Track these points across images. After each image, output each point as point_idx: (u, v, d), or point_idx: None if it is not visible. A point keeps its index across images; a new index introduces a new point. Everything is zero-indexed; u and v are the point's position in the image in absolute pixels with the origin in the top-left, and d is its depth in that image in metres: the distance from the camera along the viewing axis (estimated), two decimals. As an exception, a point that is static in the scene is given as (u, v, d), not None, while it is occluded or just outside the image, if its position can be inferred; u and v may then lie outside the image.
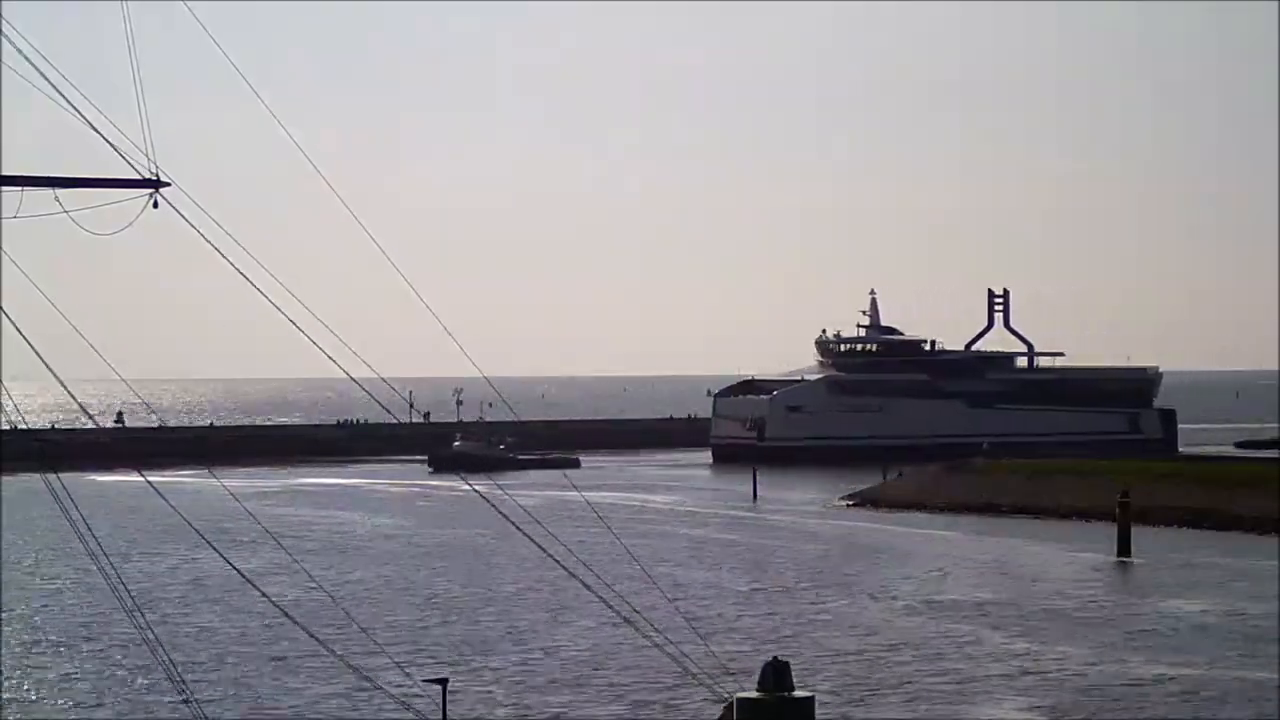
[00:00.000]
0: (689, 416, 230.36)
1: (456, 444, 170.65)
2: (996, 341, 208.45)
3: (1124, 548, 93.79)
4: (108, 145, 24.10)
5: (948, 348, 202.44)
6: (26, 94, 25.03)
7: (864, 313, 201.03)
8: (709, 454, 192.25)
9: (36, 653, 64.39)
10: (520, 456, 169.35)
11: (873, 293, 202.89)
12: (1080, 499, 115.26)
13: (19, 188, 24.24)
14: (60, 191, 24.40)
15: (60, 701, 55.79)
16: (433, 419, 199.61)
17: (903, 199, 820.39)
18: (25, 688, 57.70)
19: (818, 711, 25.28)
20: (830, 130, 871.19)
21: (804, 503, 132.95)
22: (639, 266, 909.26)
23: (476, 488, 34.24)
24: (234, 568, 62.40)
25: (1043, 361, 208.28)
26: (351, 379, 26.83)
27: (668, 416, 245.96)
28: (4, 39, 23.95)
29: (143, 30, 26.00)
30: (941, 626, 70.03)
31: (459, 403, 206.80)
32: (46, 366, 25.70)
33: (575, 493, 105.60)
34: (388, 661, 54.49)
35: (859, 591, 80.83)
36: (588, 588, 38.07)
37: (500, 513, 32.70)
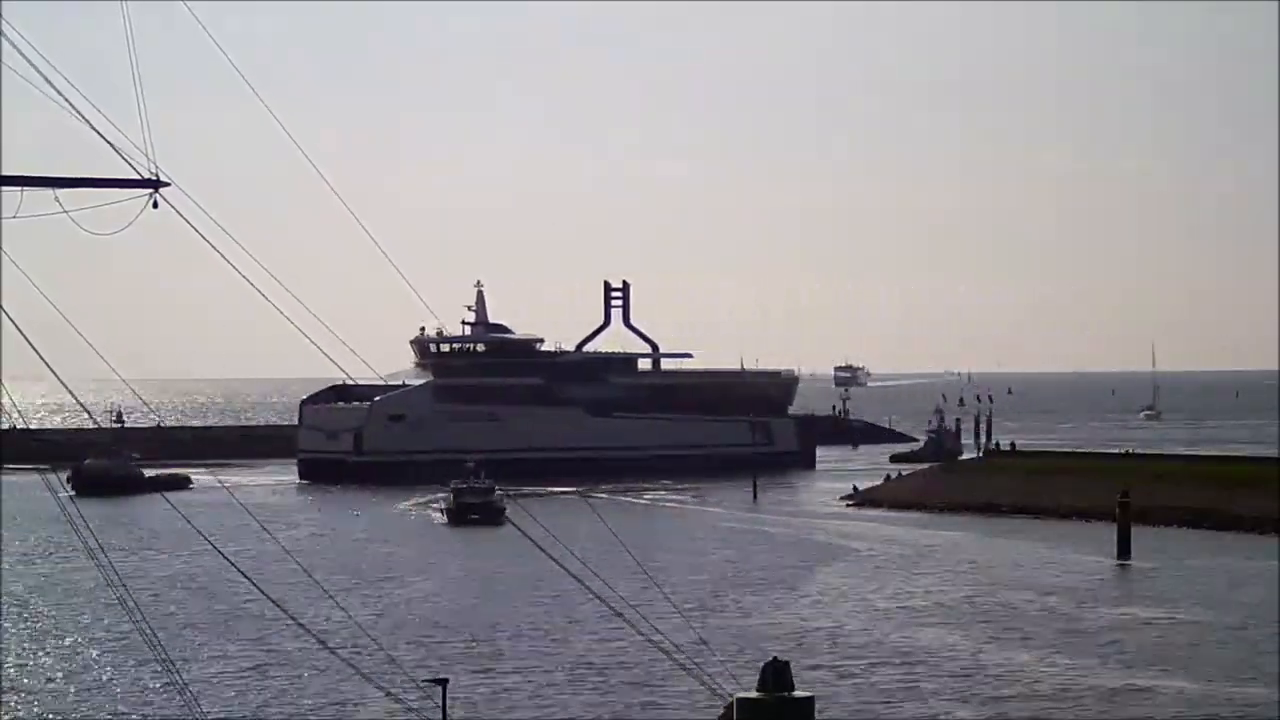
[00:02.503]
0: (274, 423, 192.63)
1: (87, 461, 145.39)
2: (616, 341, 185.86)
3: (1124, 549, 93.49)
4: (108, 145, 24.11)
5: (564, 348, 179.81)
6: (26, 94, 25.04)
7: (470, 308, 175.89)
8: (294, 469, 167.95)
9: (36, 648, 64.42)
10: (148, 474, 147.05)
11: (479, 285, 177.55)
12: (1080, 499, 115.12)
13: (19, 188, 24.23)
14: (60, 191, 24.39)
15: (58, 698, 55.78)
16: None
17: (902, 199, 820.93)
18: (24, 683, 57.72)
19: (817, 712, 25.27)
20: (830, 130, 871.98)
21: (802, 503, 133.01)
22: (639, 266, 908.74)
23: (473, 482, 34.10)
24: (234, 566, 62.32)
25: (668, 364, 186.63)
26: (351, 379, 26.86)
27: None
28: (4, 39, 23.94)
29: (143, 30, 26.03)
30: (939, 631, 69.97)
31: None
32: (47, 366, 25.70)
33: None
34: (388, 661, 54.46)
35: (857, 593, 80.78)
36: (587, 588, 38.06)
37: (505, 513, 32.74)
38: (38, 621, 71.76)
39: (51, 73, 24.04)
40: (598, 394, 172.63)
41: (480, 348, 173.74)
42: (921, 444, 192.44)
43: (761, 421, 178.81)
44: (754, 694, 24.82)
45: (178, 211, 24.51)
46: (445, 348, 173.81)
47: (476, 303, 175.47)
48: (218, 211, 25.33)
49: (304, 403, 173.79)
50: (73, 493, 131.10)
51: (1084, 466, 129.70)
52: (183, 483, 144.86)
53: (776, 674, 24.73)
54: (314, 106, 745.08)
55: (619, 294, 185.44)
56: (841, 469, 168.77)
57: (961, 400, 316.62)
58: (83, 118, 24.00)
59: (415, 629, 69.34)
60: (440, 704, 32.14)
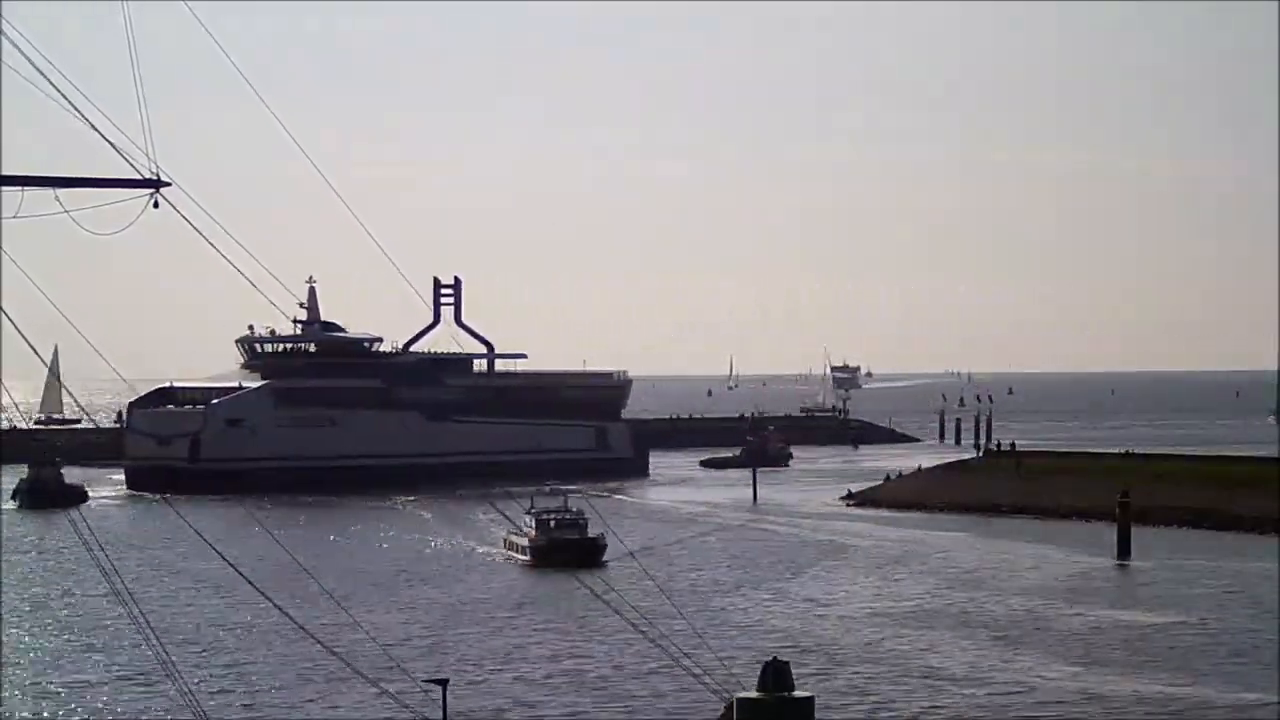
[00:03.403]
0: (120, 422, 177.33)
1: (28, 472, 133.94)
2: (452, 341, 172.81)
3: (1124, 549, 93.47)
4: (109, 145, 24.11)
5: (398, 348, 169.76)
6: (27, 94, 25.04)
7: (301, 305, 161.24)
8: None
9: (34, 642, 64.48)
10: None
11: (311, 280, 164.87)
12: (1080, 499, 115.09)
13: (19, 188, 24.24)
14: (61, 191, 24.39)
15: (57, 696, 55.78)
16: None
17: (902, 199, 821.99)
18: (23, 671, 57.72)
19: (817, 712, 25.29)
20: (830, 130, 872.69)
21: (802, 503, 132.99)
22: (639, 266, 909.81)
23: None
24: (232, 566, 62.35)
25: (503, 365, 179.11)
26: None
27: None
28: (4, 39, 23.94)
29: (143, 30, 26.01)
30: (938, 632, 69.94)
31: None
32: (47, 366, 25.70)
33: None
34: (388, 661, 54.47)
35: (857, 593, 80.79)
36: (587, 588, 38.07)
37: (506, 516, 32.79)
38: (35, 620, 71.82)
39: (52, 72, 24.06)
40: (435, 396, 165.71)
41: (311, 348, 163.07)
42: (739, 451, 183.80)
43: (600, 426, 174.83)
44: (754, 694, 24.86)
45: (178, 211, 24.54)
46: (274, 348, 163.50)
47: (309, 299, 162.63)
48: (218, 211, 25.35)
49: (132, 405, 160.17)
50: (15, 502, 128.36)
51: (1084, 466, 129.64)
52: (81, 495, 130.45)
53: (776, 674, 24.77)
54: (314, 106, 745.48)
55: (449, 291, 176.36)
56: (676, 475, 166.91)
57: (962, 400, 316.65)
58: (83, 118, 24.02)
59: (416, 630, 69.33)
60: (440, 704, 32.15)
